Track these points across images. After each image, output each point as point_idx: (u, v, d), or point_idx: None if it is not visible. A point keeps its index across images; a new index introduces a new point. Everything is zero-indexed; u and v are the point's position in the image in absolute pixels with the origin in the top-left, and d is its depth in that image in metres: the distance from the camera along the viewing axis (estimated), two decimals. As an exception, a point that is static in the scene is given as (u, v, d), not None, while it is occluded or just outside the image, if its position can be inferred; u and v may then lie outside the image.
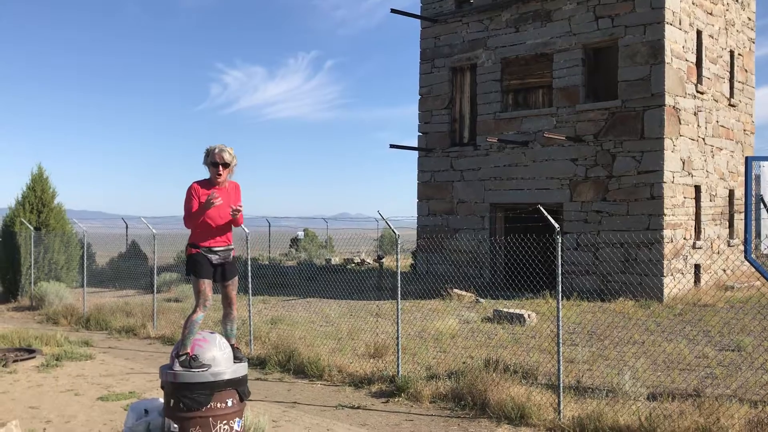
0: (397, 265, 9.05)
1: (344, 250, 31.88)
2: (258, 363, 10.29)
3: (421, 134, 21.24)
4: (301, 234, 33.72)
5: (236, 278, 5.83)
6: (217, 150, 5.62)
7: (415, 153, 21.43)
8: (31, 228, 18.41)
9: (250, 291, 11.17)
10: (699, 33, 18.34)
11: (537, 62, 18.71)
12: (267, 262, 26.34)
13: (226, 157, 5.61)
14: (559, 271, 7.23)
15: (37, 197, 19.82)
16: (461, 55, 20.31)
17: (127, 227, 27.39)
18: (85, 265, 16.46)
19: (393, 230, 9.00)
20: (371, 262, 26.70)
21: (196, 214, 5.49)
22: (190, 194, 5.60)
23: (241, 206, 5.58)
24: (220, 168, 5.62)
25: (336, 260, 27.42)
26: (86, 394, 8.67)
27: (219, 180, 5.65)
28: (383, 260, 22.18)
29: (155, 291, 13.89)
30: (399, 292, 8.99)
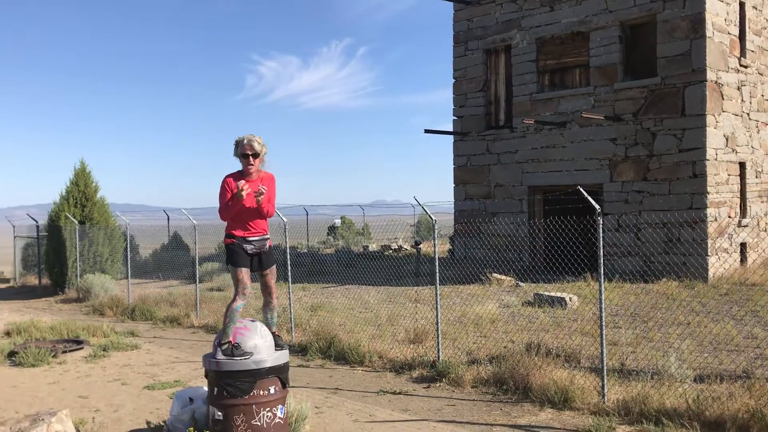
0: (434, 251, 9.01)
1: (381, 237, 31.90)
2: (299, 350, 10.38)
3: (456, 118, 21.08)
4: (338, 222, 33.85)
5: (274, 267, 5.87)
6: (245, 141, 5.64)
7: (451, 137, 21.29)
8: (76, 222, 18.81)
9: (290, 279, 11.24)
10: (742, 4, 17.79)
11: (573, 41, 18.39)
12: (306, 251, 26.52)
13: (256, 146, 5.63)
14: (601, 253, 7.12)
15: (81, 191, 20.22)
16: (495, 37, 20.06)
17: (168, 219, 27.81)
18: (129, 256, 16.78)
19: (429, 215, 8.95)
20: (409, 248, 26.69)
21: (229, 208, 5.53)
22: (223, 188, 5.65)
23: (265, 188, 5.52)
24: (251, 158, 5.64)
25: (373, 247, 27.48)
26: (133, 383, 8.85)
27: (250, 170, 5.67)
28: (421, 246, 22.15)
29: (197, 281, 14.08)
30: (437, 278, 8.95)
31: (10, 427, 5.77)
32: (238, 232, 5.71)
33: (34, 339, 11.68)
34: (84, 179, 20.43)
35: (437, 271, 8.94)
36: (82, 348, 11.01)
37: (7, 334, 12.36)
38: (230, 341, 5.46)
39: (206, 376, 5.62)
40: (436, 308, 8.96)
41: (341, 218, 34.62)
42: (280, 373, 5.54)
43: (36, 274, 21.81)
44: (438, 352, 8.78)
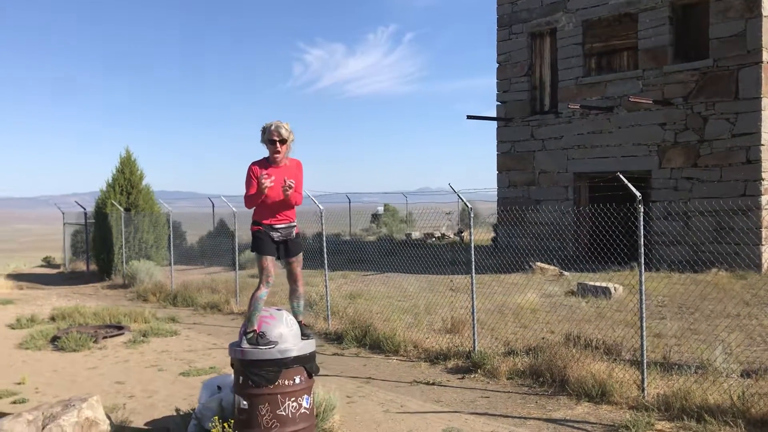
0: (470, 239, 8.81)
1: (425, 225, 31.66)
2: (335, 338, 10.33)
3: (499, 103, 20.72)
4: (381, 209, 33.74)
5: (300, 255, 5.78)
6: (273, 127, 5.54)
7: (494, 123, 20.94)
8: (121, 209, 19.13)
9: (326, 266, 11.19)
10: (800, -18, 16.96)
11: (620, 23, 17.82)
12: (348, 238, 26.52)
13: (283, 133, 5.52)
14: (642, 242, 6.82)
15: (126, 179, 20.55)
16: (540, 20, 19.60)
17: (213, 206, 28.12)
18: (172, 243, 16.99)
19: (465, 203, 8.75)
20: (452, 236, 26.44)
21: (254, 197, 5.45)
22: (249, 175, 5.56)
23: (293, 182, 5.42)
24: (278, 145, 5.54)
25: (416, 235, 27.30)
26: (169, 369, 8.91)
27: (277, 157, 5.57)
28: (464, 234, 21.85)
29: (237, 267, 14.15)
30: (473, 267, 8.75)
31: (42, 412, 5.83)
32: (265, 220, 5.64)
33: (77, 324, 11.90)
34: (129, 167, 20.74)
35: (473, 259, 8.74)
36: (122, 334, 11.17)
37: (53, 318, 12.62)
38: (255, 330, 5.40)
39: (232, 364, 5.57)
40: (472, 298, 8.77)
41: (384, 206, 34.49)
42: (305, 362, 5.45)
43: (84, 260, 22.30)
44: (474, 342, 8.60)
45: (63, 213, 24.96)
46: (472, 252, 8.71)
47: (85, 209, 22.62)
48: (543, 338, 8.91)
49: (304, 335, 5.60)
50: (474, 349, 8.55)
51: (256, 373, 5.28)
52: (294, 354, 5.36)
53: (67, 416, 5.72)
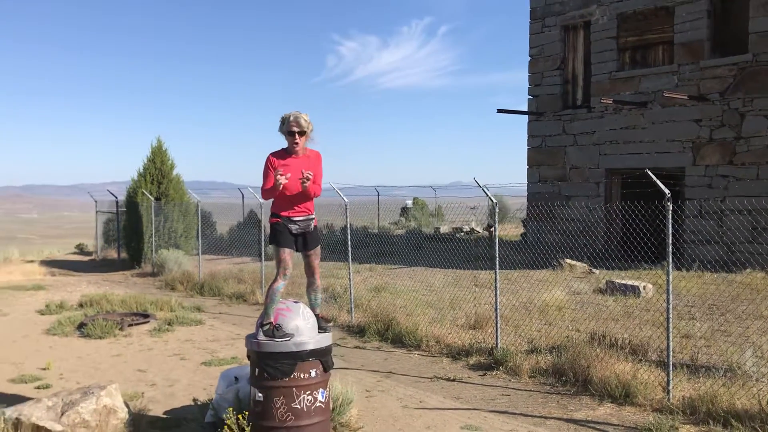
0: (495, 234, 8.69)
1: (455, 219, 31.49)
2: (358, 331, 10.29)
3: (531, 97, 20.45)
4: (409, 203, 33.62)
5: (318, 248, 5.73)
6: (291, 118, 5.49)
7: (526, 117, 20.68)
8: (152, 198, 19.33)
9: (350, 259, 11.15)
10: None
11: (656, 16, 17.44)
12: (376, 231, 26.47)
13: (302, 124, 5.47)
14: (670, 241, 6.64)
15: (157, 168, 20.75)
16: (573, 12, 19.27)
17: (243, 197, 28.27)
18: (200, 233, 17.12)
19: (490, 198, 8.63)
20: (481, 230, 26.24)
21: (270, 191, 5.41)
22: (266, 166, 5.53)
23: (310, 174, 5.37)
24: (296, 136, 5.49)
25: (445, 229, 27.16)
26: (192, 358, 8.96)
27: (296, 148, 5.53)
28: (493, 229, 21.58)
29: (263, 258, 14.19)
30: (497, 262, 8.63)
31: (62, 398, 5.88)
32: (283, 212, 5.60)
33: (104, 311, 12.04)
34: (161, 157, 20.93)
35: (497, 255, 8.61)
36: (148, 322, 11.26)
37: (81, 305, 12.79)
38: (271, 322, 5.36)
39: (249, 356, 5.55)
40: (495, 294, 8.65)
41: (413, 199, 34.36)
42: (322, 356, 5.40)
43: (115, 248, 22.59)
44: (496, 339, 8.49)
45: (96, 201, 25.30)
46: (497, 248, 8.59)
47: (116, 198, 22.90)
48: (567, 337, 8.77)
49: (321, 328, 5.55)
50: (497, 345, 8.44)
51: (271, 365, 5.25)
52: (310, 347, 5.31)
53: (86, 403, 5.75)
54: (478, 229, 26.92)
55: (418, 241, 21.57)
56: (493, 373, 7.93)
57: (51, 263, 22.17)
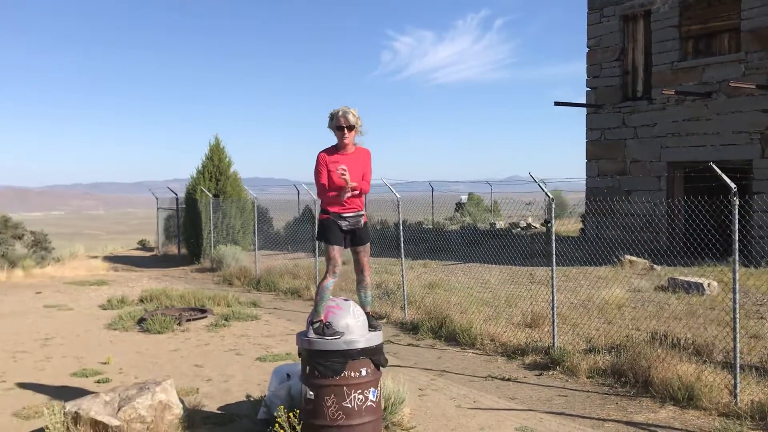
0: (551, 230, 8.48)
1: (511, 214, 31.08)
2: (411, 328, 10.21)
3: (589, 89, 19.96)
4: (464, 198, 33.34)
5: (368, 245, 5.68)
6: (340, 113, 5.45)
7: (584, 110, 20.21)
8: (210, 195, 19.66)
9: (402, 255, 11.07)
10: None
11: (722, 3, 16.76)
12: (430, 227, 26.33)
13: (351, 118, 5.42)
14: (736, 237, 6.35)
15: (215, 166, 21.10)
16: (633, 2, 18.70)
17: (298, 193, 28.52)
18: (256, 229, 17.31)
19: (547, 193, 8.42)
20: (538, 226, 25.83)
21: (333, 198, 5.42)
22: (317, 164, 5.50)
23: (344, 168, 5.33)
24: (345, 131, 5.45)
25: (501, 224, 26.83)
26: (247, 354, 9.04)
27: (345, 143, 5.48)
28: (551, 224, 21.19)
29: (317, 254, 14.24)
30: (553, 259, 8.42)
31: (119, 393, 5.99)
32: (333, 208, 5.56)
33: (164, 306, 12.28)
34: (218, 154, 21.29)
35: (554, 252, 8.41)
36: (205, 317, 11.44)
37: (141, 300, 13.08)
38: (321, 320, 5.34)
39: (300, 354, 5.53)
40: (552, 291, 8.45)
41: (468, 195, 34.06)
42: (372, 354, 5.35)
43: (176, 244, 23.08)
44: (553, 337, 8.29)
45: (157, 198, 25.92)
46: (553, 244, 8.38)
47: (176, 195, 23.39)
48: (627, 336, 8.50)
49: (372, 326, 5.49)
50: (553, 344, 8.24)
51: (322, 363, 5.22)
52: (360, 345, 5.26)
53: (142, 399, 5.84)
54: (535, 224, 26.51)
55: (473, 236, 21.37)
56: (550, 373, 7.74)
57: (114, 259, 22.82)
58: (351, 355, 5.23)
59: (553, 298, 8.39)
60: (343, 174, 5.30)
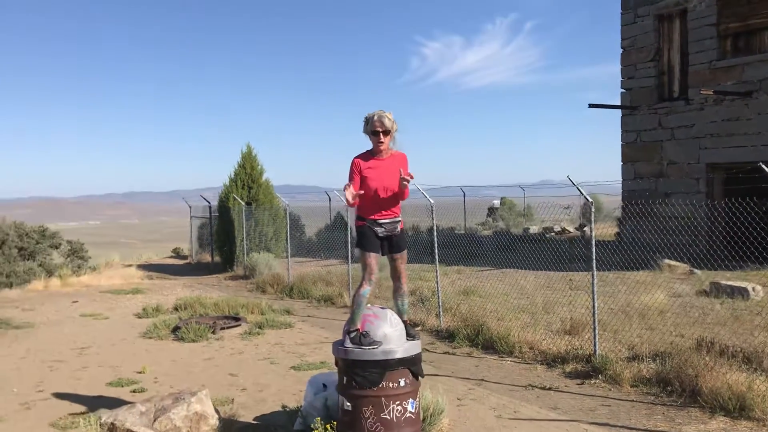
0: (591, 234, 8.25)
1: (544, 219, 30.72)
2: (447, 336, 10.04)
3: (624, 91, 19.60)
4: (497, 203, 33.03)
5: (405, 251, 5.54)
6: (375, 117, 5.33)
7: (618, 112, 19.85)
8: (242, 203, 19.71)
9: (437, 261, 10.91)
10: None
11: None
12: (463, 232, 26.11)
13: (386, 123, 5.30)
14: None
15: (247, 174, 21.15)
16: (668, 1, 18.33)
17: (330, 200, 28.52)
18: (288, 236, 17.27)
19: (586, 196, 8.21)
20: (572, 230, 25.45)
21: (367, 204, 5.37)
22: (351, 170, 5.40)
23: (410, 176, 5.23)
24: (381, 135, 5.32)
25: (535, 229, 26.51)
26: (281, 363, 8.95)
27: (381, 148, 5.36)
28: (586, 228, 20.90)
29: (350, 260, 14.15)
30: (594, 264, 8.19)
31: (154, 404, 5.94)
32: (369, 215, 5.44)
33: (198, 315, 12.28)
34: (250, 162, 21.34)
35: (594, 257, 8.18)
36: (239, 325, 11.40)
37: (176, 308, 13.10)
38: (358, 329, 5.21)
39: (336, 364, 5.42)
40: (593, 297, 8.22)
41: (501, 199, 33.74)
42: (411, 364, 5.21)
43: (209, 251, 23.19)
44: (594, 345, 8.06)
45: (190, 207, 26.10)
46: (593, 249, 8.16)
47: (209, 203, 23.52)
48: (671, 343, 8.23)
49: (410, 336, 5.35)
50: (595, 352, 8.01)
51: (359, 374, 5.09)
52: (398, 355, 5.13)
53: (177, 409, 5.78)
54: (570, 228, 26.13)
55: (506, 241, 21.09)
56: (592, 382, 7.52)
57: (148, 267, 23.00)
58: (389, 365, 5.09)
59: (594, 304, 8.16)
60: (348, 196, 5.18)
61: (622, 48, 19.65)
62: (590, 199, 8.19)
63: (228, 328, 11.18)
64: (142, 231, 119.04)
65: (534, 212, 31.63)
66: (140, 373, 8.51)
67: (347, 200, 5.18)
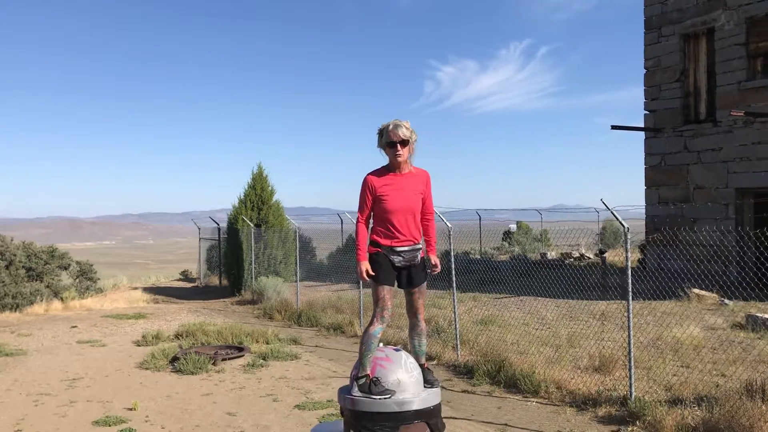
0: (627, 264, 7.51)
1: (561, 244, 29.86)
2: (465, 372, 9.27)
3: (647, 112, 18.90)
4: (513, 227, 32.21)
5: (424, 285, 4.77)
6: (391, 126, 4.57)
7: (640, 135, 19.13)
8: (251, 225, 19.08)
9: (455, 290, 10.17)
10: None
11: (794, 17, 15.65)
12: (478, 257, 25.33)
13: (403, 132, 4.54)
14: None
15: (257, 195, 20.56)
16: (694, 20, 17.68)
17: (342, 222, 27.85)
18: (298, 260, 16.60)
19: (620, 221, 7.48)
20: (592, 256, 24.61)
21: (382, 228, 4.68)
22: (363, 189, 4.66)
23: (437, 266, 4.81)
24: (398, 147, 4.54)
25: (552, 254, 25.67)
26: (285, 400, 8.22)
27: (399, 161, 4.59)
28: (606, 255, 20.11)
29: (361, 286, 13.44)
30: (629, 296, 7.45)
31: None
32: (384, 240, 4.67)
33: (199, 343, 11.60)
34: (261, 183, 20.75)
35: (630, 287, 7.43)
36: (242, 355, 10.69)
37: (177, 336, 12.43)
38: (368, 375, 4.47)
39: (342, 413, 4.68)
40: (629, 332, 7.45)
41: (517, 223, 32.92)
42: (429, 417, 4.46)
43: (218, 274, 22.55)
44: (630, 386, 7.28)
45: (199, 228, 25.53)
46: (629, 277, 7.40)
47: (218, 224, 22.93)
48: (717, 385, 7.44)
49: (428, 382, 4.59)
50: (630, 394, 7.23)
51: (368, 427, 4.35)
52: (415, 407, 4.38)
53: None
54: (588, 254, 25.29)
55: (524, 267, 20.28)
56: (629, 429, 6.73)
57: (155, 290, 22.39)
58: (403, 418, 4.35)
59: (630, 341, 7.39)
60: (363, 273, 4.60)
61: (645, 68, 18.99)
62: (626, 225, 7.46)
63: (230, 358, 10.48)
64: (157, 251, 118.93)
65: (550, 237, 30.79)
66: (131, 410, 7.81)
67: (361, 274, 4.60)
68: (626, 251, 7.52)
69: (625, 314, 7.50)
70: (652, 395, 7.35)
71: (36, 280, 23.46)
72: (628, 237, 7.54)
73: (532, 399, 7.95)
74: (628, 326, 7.42)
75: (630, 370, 7.32)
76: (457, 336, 10.05)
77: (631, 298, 7.49)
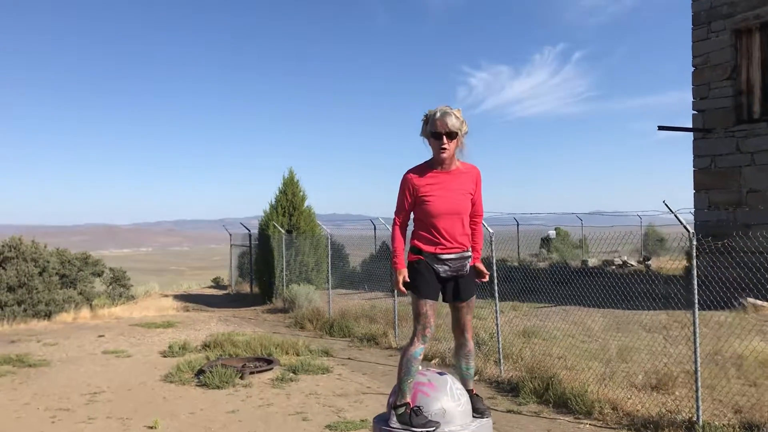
0: (693, 272, 6.79)
1: (601, 251, 28.88)
2: (509, 389, 8.59)
3: (696, 112, 17.97)
4: (552, 233, 31.24)
5: (473, 299, 4.12)
6: (438, 114, 3.88)
7: (687, 137, 18.20)
8: (282, 231, 18.60)
9: (497, 299, 9.50)
10: None
11: None
12: (516, 264, 24.53)
13: (451, 122, 3.85)
14: None
15: (288, 200, 20.09)
16: (747, 14, 16.74)
17: (375, 228, 27.28)
18: (330, 267, 16.05)
19: (685, 226, 6.78)
20: (635, 263, 23.65)
21: (423, 232, 4.03)
22: (402, 189, 4.03)
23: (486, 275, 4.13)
24: (444, 139, 3.87)
25: (593, 261, 24.75)
26: (314, 419, 7.63)
27: (444, 156, 3.92)
28: (650, 262, 19.24)
29: (396, 294, 12.81)
30: (695, 308, 6.74)
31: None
32: (427, 247, 4.03)
33: (227, 355, 11.08)
34: (292, 188, 20.28)
35: (696, 297, 6.70)
36: (271, 368, 10.13)
37: (205, 346, 11.94)
38: (408, 403, 3.86)
39: (378, 446, 4.07)
40: (695, 346, 6.73)
41: (555, 229, 31.95)
42: (479, 452, 3.84)
43: (249, 282, 22.13)
44: (697, 409, 6.55)
45: (230, 234, 25.16)
46: (695, 287, 6.69)
47: (249, 231, 22.52)
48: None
49: (477, 411, 3.97)
50: (698, 418, 6.50)
51: (409, 464, 3.75)
52: (463, 441, 3.77)
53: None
54: (631, 261, 24.33)
55: (564, 275, 19.43)
56: (698, 459, 6.01)
57: (187, 297, 22.04)
58: (450, 455, 3.74)
59: (696, 356, 6.68)
60: (400, 284, 4.05)
61: (693, 66, 18.07)
62: (691, 230, 6.76)
63: (258, 371, 9.93)
64: (192, 258, 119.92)
65: (590, 243, 29.79)
66: (152, 428, 7.30)
67: (398, 284, 4.05)
68: (692, 258, 6.81)
69: (675, 324, 6.78)
70: (721, 419, 6.62)
71: (69, 287, 23.32)
72: (694, 243, 6.82)
73: (585, 421, 7.24)
74: (694, 341, 6.72)
75: (697, 391, 6.60)
76: (500, 350, 9.37)
77: (697, 309, 6.76)
